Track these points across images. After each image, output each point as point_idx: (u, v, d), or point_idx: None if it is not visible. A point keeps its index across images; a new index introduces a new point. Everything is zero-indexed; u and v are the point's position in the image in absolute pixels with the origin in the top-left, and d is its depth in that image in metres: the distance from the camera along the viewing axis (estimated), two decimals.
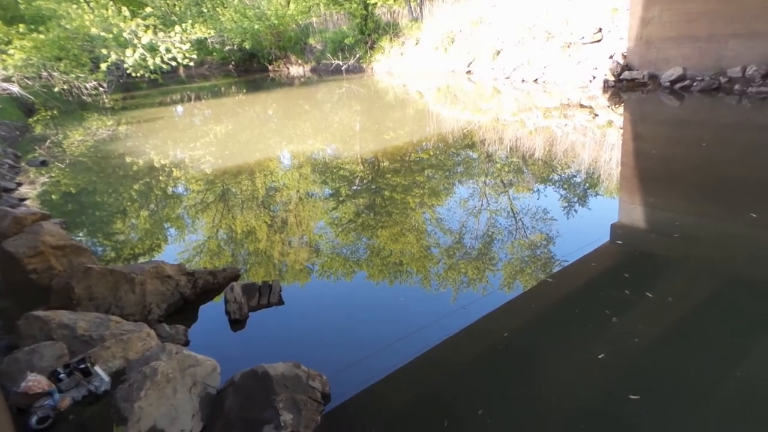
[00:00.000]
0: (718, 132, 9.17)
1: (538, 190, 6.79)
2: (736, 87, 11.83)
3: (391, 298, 4.38)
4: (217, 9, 29.77)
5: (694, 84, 12.54)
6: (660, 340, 3.38)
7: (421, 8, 24.39)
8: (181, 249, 5.78)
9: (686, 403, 2.81)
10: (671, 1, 13.12)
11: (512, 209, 6.18)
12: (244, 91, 22.67)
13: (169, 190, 8.22)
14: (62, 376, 2.79)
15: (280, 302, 4.24)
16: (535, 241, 5.26)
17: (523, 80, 16.44)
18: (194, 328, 3.96)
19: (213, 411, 2.73)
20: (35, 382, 2.73)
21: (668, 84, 13.04)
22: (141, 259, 5.47)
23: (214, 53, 32.35)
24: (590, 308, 3.82)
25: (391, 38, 24.76)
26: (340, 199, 7.03)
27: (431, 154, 9.24)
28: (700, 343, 3.34)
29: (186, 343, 3.64)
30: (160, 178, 8.77)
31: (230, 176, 8.48)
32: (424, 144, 9.98)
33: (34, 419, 2.60)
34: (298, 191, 7.58)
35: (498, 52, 18.50)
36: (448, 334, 3.61)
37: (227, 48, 31.06)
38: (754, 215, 5.29)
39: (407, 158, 8.85)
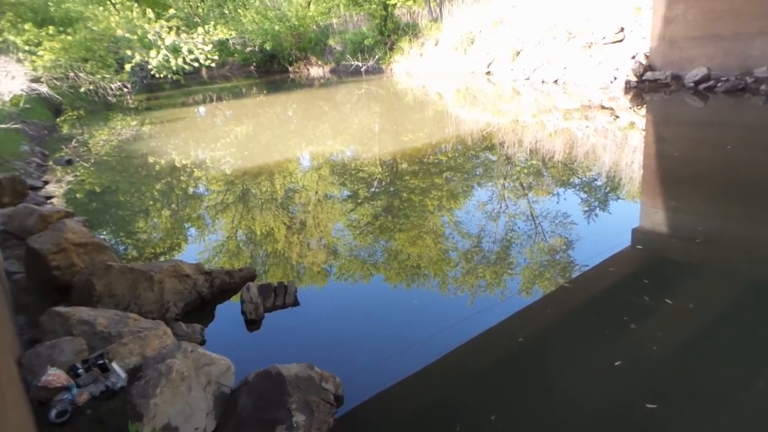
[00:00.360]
0: (744, 134, 8.95)
1: (558, 193, 6.71)
2: (763, 87, 11.52)
3: (408, 302, 4.37)
4: (239, 10, 30.11)
5: (719, 84, 12.26)
6: (679, 348, 3.31)
7: (440, 9, 24.30)
8: (200, 249, 5.86)
9: (704, 412, 2.75)
10: None
11: (531, 213, 6.12)
12: (265, 92, 22.89)
13: (190, 190, 8.35)
14: (81, 371, 2.84)
15: (296, 303, 4.26)
16: (554, 246, 5.20)
17: (543, 81, 16.26)
18: (210, 328, 4.01)
19: (226, 410, 2.76)
20: (55, 376, 2.79)
21: (692, 84, 12.77)
22: (161, 258, 5.56)
23: (236, 54, 32.74)
24: (608, 314, 3.76)
25: (410, 39, 24.73)
26: (358, 201, 7.05)
27: (450, 156, 9.20)
28: (721, 350, 3.26)
29: (202, 342, 3.69)
30: (182, 178, 8.91)
31: (250, 177, 8.57)
32: (443, 146, 9.94)
33: (53, 413, 2.66)
34: (316, 193, 7.62)
35: (518, 53, 18.34)
36: (465, 339, 3.59)
37: (248, 49, 31.41)
38: None
39: (426, 160, 8.84)
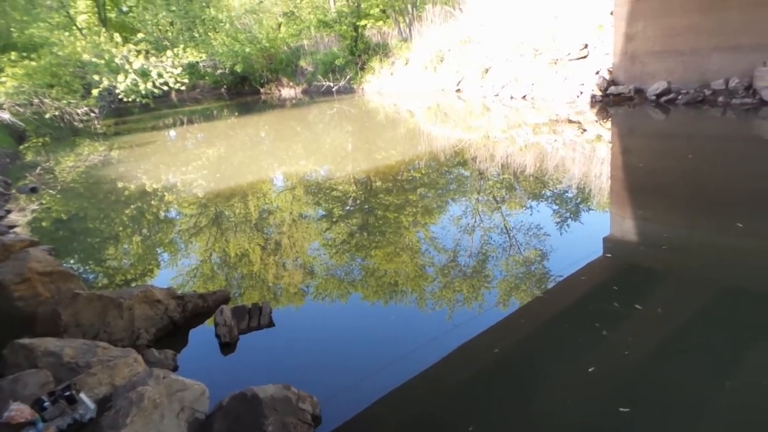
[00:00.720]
0: (704, 144, 9.30)
1: (530, 206, 6.82)
2: (720, 99, 12.02)
3: (386, 319, 4.35)
4: (209, 33, 30.05)
5: (679, 97, 12.74)
6: (650, 353, 3.37)
7: (410, 28, 24.74)
8: (173, 273, 5.73)
9: (676, 415, 2.79)
10: (655, 16, 13.38)
11: (505, 226, 6.19)
12: (236, 114, 22.80)
13: (161, 214, 8.20)
14: (47, 404, 2.73)
15: (271, 324, 4.20)
16: (528, 258, 5.26)
17: (511, 97, 16.63)
18: (184, 353, 3.91)
19: None
20: (18, 411, 2.67)
21: (654, 98, 13.24)
22: (133, 285, 5.42)
23: (206, 77, 32.56)
24: (581, 323, 3.81)
25: (381, 59, 25.05)
26: (333, 219, 7.03)
27: (423, 172, 9.29)
28: (690, 354, 3.33)
29: (175, 368, 3.59)
30: (152, 202, 8.75)
31: (223, 199, 8.47)
32: (415, 163, 10.03)
33: None
34: (291, 213, 7.57)
35: (486, 70, 18.75)
36: (443, 354, 3.58)
37: (219, 72, 31.29)
38: (740, 225, 5.33)
39: (399, 177, 8.89)
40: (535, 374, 3.26)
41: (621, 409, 2.83)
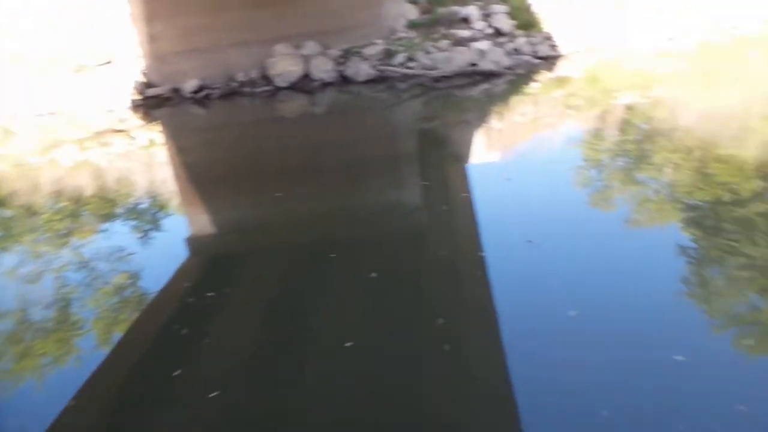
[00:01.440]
0: (244, 130, 10.59)
1: (104, 229, 6.27)
2: (246, 89, 13.70)
3: None
4: None
5: (213, 92, 13.83)
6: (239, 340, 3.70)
7: None
8: None
9: (276, 394, 3.09)
10: (170, 17, 13.76)
11: (81, 259, 5.52)
12: None
13: None
14: None
15: None
16: (119, 284, 4.89)
17: (38, 114, 14.34)
18: None
19: None
20: None
21: (191, 95, 13.89)
22: None
23: None
24: (167, 330, 3.89)
25: None
26: None
27: None
28: (269, 332, 3.72)
29: None
30: None
31: None
32: None
33: None
34: None
35: None
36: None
37: None
38: (279, 194, 6.37)
39: None
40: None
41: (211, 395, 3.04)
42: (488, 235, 4.54)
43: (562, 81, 11.19)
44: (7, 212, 7.55)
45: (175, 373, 3.27)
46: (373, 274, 4.09)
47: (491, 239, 4.47)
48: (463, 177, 6.15)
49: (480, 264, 4.10)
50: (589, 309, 3.41)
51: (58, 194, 7.90)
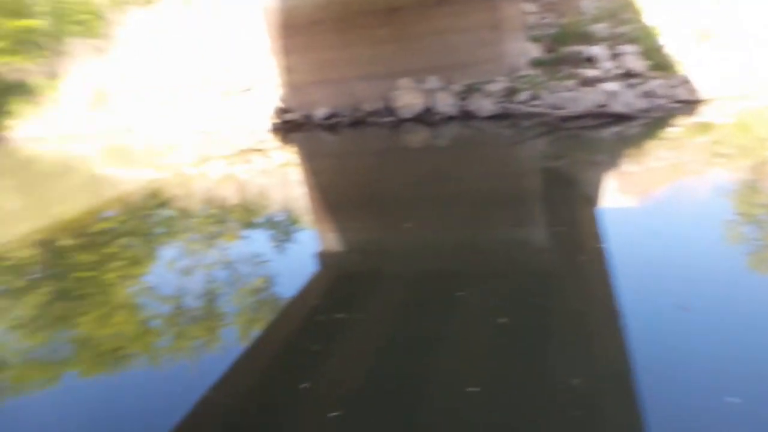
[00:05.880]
0: (371, 157, 11.15)
1: (245, 236, 6.98)
2: (371, 119, 14.44)
3: (114, 392, 3.81)
4: None
5: (342, 120, 14.76)
6: (357, 359, 3.76)
7: (59, 64, 21.61)
8: None
9: (393, 416, 3.09)
10: (303, 51, 15.06)
11: (226, 260, 6.19)
12: None
13: None
14: None
15: None
16: (256, 286, 5.40)
17: (194, 132, 16.40)
18: None
19: None
20: None
21: (321, 122, 14.97)
22: None
23: None
24: (296, 343, 4.08)
25: (27, 99, 21.16)
26: (13, 294, 5.75)
27: (120, 220, 8.38)
28: (398, 352, 3.78)
29: None
30: None
31: None
32: (106, 211, 8.96)
33: None
34: None
35: (163, 105, 17.97)
36: (185, 412, 3.35)
37: None
38: (408, 225, 6.44)
39: (91, 230, 7.82)
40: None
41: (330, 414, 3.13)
42: (627, 291, 4.13)
43: (705, 127, 10.39)
44: (169, 213, 8.67)
45: (302, 386, 3.39)
46: (503, 319, 3.95)
47: (631, 295, 4.05)
48: (595, 221, 5.91)
49: (619, 324, 3.72)
50: (756, 397, 2.84)
51: (208, 202, 8.92)
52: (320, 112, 15.09)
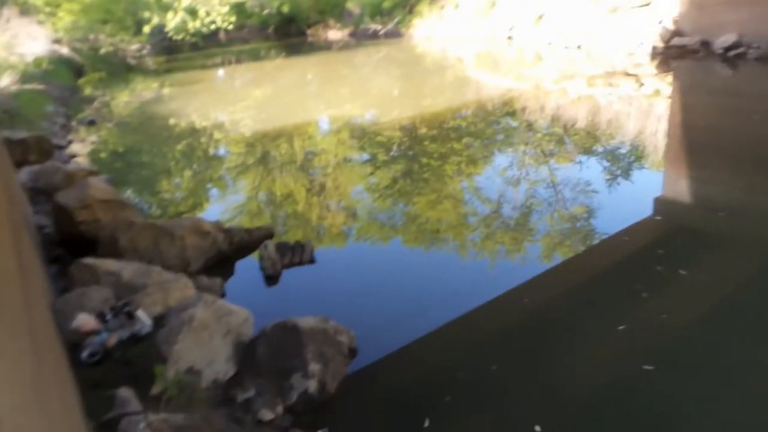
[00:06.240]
0: None
1: (579, 161, 6.61)
2: None
3: (425, 265, 4.41)
4: None
5: (750, 51, 11.77)
6: (688, 318, 3.28)
7: None
8: (221, 209, 5.94)
9: (703, 378, 2.73)
10: None
11: (552, 180, 6.05)
12: (283, 55, 22.66)
13: (210, 151, 8.41)
14: (109, 317, 2.95)
15: (312, 261, 4.33)
16: (574, 214, 5.16)
17: (566, 47, 15.81)
18: (230, 282, 4.11)
19: (245, 357, 2.86)
20: (85, 321, 2.91)
21: (721, 51, 12.27)
22: (183, 217, 5.66)
23: (253, 17, 32.29)
24: (621, 283, 3.72)
25: (430, 2, 24.13)
26: (377, 164, 7.04)
27: (470, 121, 9.09)
28: (731, 323, 3.21)
29: (222, 295, 3.78)
30: (202, 139, 8.97)
31: (269, 139, 8.59)
32: (462, 111, 9.82)
33: (85, 354, 2.77)
34: (335, 156, 7.62)
35: (540, 17, 17.80)
36: (480, 302, 3.61)
37: (266, 12, 30.93)
38: None
39: (445, 125, 8.75)
40: (567, 328, 3.25)
41: (645, 367, 2.81)
42: None
43: None
44: (514, 123, 8.90)
45: (620, 327, 3.19)
46: None
47: None
48: None
49: None
50: None
51: (555, 119, 8.71)
52: (723, 39, 12.38)
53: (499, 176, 6.30)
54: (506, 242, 4.75)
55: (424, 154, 7.31)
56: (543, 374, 2.87)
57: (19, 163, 6.17)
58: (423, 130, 8.49)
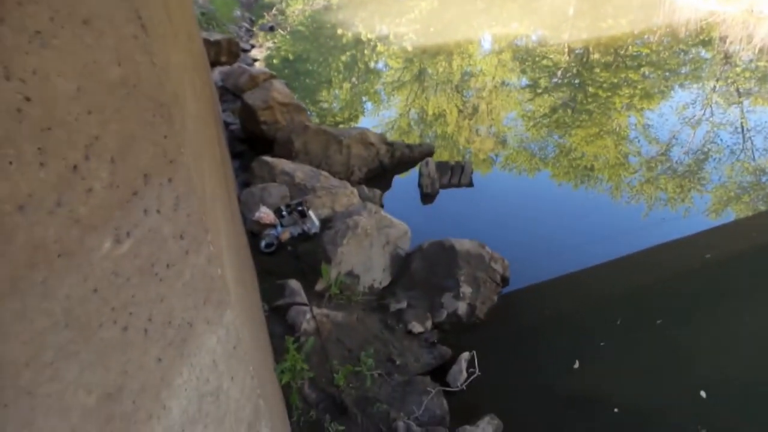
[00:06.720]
0: None
1: None
2: None
3: (579, 201, 4.31)
4: None
5: None
6: None
7: None
8: (375, 122, 6.24)
9: None
10: None
11: (742, 125, 5.32)
12: None
13: (371, 64, 8.68)
14: (284, 213, 3.39)
15: (470, 184, 4.45)
16: (762, 167, 4.56)
17: None
18: (387, 195, 4.43)
19: (401, 269, 3.17)
20: (265, 214, 3.39)
21: None
22: (341, 127, 6.08)
23: None
24: None
25: None
26: (538, 91, 6.74)
27: (653, 49, 8.10)
28: None
29: (381, 206, 4.12)
30: (365, 51, 9.25)
31: (428, 56, 8.58)
32: (646, 36, 8.74)
33: (262, 243, 3.25)
34: (493, 78, 7.42)
35: None
36: (636, 249, 3.48)
37: None
38: None
39: (622, 52, 7.92)
40: (733, 292, 3.05)
41: None
42: None
43: None
44: (707, 54, 7.75)
45: None
46: None
47: None
48: None
49: None
50: None
51: (762, 52, 7.39)
52: None
53: (675, 114, 5.70)
54: (669, 189, 4.41)
55: (593, 82, 6.79)
56: (706, 326, 2.77)
57: (213, 63, 7.01)
58: (595, 56, 7.81)
